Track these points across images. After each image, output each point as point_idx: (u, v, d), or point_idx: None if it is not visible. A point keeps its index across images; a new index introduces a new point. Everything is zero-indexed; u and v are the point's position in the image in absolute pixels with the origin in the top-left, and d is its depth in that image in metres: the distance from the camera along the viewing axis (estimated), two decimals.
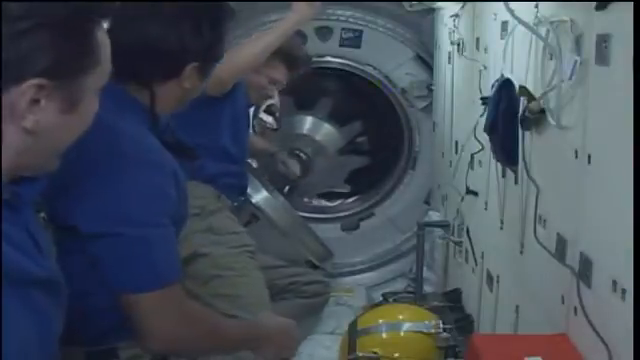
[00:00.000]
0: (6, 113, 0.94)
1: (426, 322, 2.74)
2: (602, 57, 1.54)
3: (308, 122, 5.06)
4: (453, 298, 3.28)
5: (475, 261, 2.90)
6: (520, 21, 2.03)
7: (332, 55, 4.30)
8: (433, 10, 4.05)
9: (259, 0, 4.09)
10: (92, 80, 1.04)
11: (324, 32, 4.22)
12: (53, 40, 0.96)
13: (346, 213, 4.79)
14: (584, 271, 1.63)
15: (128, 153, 1.45)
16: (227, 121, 2.71)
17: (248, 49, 2.64)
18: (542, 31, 1.94)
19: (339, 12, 4.18)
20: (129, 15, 1.54)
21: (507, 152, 2.25)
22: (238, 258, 2.59)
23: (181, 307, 1.52)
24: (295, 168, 4.14)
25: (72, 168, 1.39)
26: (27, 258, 0.99)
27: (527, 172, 2.07)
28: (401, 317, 2.84)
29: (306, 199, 5.20)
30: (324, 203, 5.19)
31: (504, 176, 2.41)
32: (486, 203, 2.70)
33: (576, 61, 1.68)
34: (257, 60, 2.66)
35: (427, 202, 4.40)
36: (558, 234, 1.84)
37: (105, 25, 1.15)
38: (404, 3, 4.13)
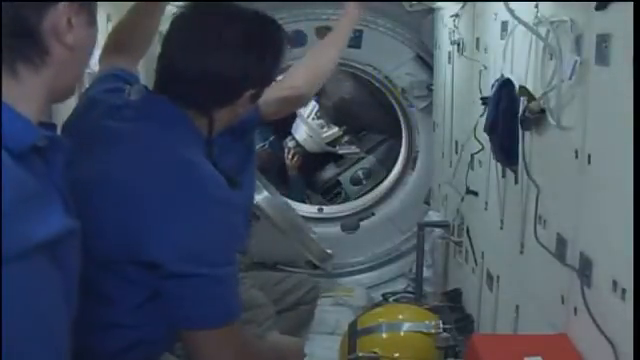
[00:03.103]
0: (51, 34, 1.02)
1: (426, 322, 2.74)
2: (602, 57, 1.54)
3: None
4: (453, 298, 3.28)
5: (475, 261, 2.90)
6: (520, 21, 2.03)
7: None
8: (433, 10, 4.05)
9: (259, 0, 4.09)
10: None
11: (324, 32, 4.21)
12: None
13: (346, 213, 4.80)
14: (584, 271, 1.64)
15: (214, 194, 1.44)
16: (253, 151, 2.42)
17: (322, 59, 2.37)
18: (542, 31, 1.94)
19: (339, 12, 4.17)
20: (195, 45, 1.53)
21: (507, 152, 2.25)
22: (260, 318, 2.52)
23: (240, 339, 1.53)
24: None
25: (152, 203, 1.40)
26: (57, 217, 1.01)
27: (527, 172, 2.07)
28: (401, 317, 2.84)
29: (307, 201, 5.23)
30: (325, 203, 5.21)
31: (504, 176, 2.41)
32: (486, 203, 2.70)
33: (576, 61, 1.68)
34: (333, 70, 2.45)
35: (427, 202, 4.40)
36: (558, 234, 1.84)
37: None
38: (404, 3, 4.13)
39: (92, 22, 1.11)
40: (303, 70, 2.26)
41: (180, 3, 3.52)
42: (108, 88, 1.68)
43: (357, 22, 2.55)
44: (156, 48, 2.69)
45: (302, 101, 2.44)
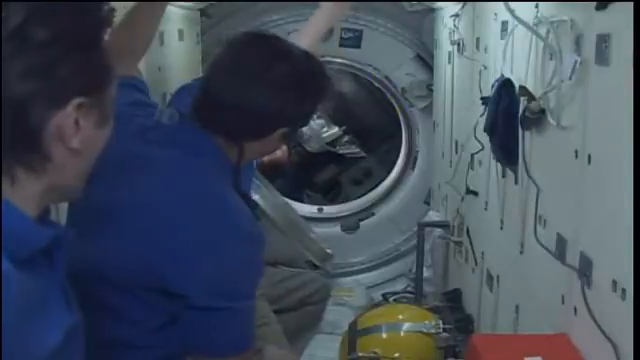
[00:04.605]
0: (55, 137, 0.94)
1: (426, 322, 2.75)
2: (602, 57, 1.54)
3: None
4: (453, 298, 3.28)
5: (475, 261, 2.90)
6: (520, 21, 2.03)
7: (332, 55, 4.31)
8: (433, 10, 4.05)
9: (259, 0, 4.09)
10: (112, 91, 1.04)
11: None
12: (85, 58, 0.96)
13: (346, 213, 4.80)
14: (584, 271, 1.64)
15: (246, 232, 1.45)
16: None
17: None
18: (542, 31, 1.94)
19: None
20: (238, 74, 1.53)
21: (507, 152, 2.25)
22: (257, 305, 2.54)
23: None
24: None
25: (184, 236, 1.40)
26: (61, 320, 0.98)
27: (527, 172, 2.07)
28: (401, 317, 2.84)
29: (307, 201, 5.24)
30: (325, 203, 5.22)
31: (504, 176, 2.41)
32: (486, 203, 2.70)
33: (576, 61, 1.68)
34: None
35: (427, 202, 4.41)
36: (558, 234, 1.84)
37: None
38: (404, 3, 4.13)
39: (103, 123, 1.02)
40: None
41: (180, 3, 3.52)
42: (131, 101, 1.66)
43: (335, 16, 2.43)
44: (156, 48, 2.68)
45: None
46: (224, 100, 1.52)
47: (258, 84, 1.51)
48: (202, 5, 4.03)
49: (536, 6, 1.99)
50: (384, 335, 2.76)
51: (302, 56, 1.59)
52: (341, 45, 4.27)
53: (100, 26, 1.00)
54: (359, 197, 5.07)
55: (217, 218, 1.43)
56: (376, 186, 5.01)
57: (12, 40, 0.89)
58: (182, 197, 1.44)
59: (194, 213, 1.42)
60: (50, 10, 0.93)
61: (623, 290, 1.42)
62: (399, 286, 4.45)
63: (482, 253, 2.79)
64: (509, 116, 2.19)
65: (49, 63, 0.92)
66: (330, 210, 4.93)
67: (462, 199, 3.10)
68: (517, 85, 2.15)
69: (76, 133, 0.96)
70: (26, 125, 0.91)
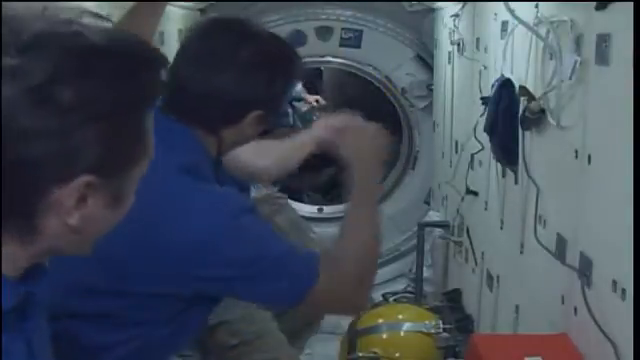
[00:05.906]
0: (51, 210, 0.83)
1: (426, 322, 2.75)
2: (602, 57, 1.54)
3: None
4: (453, 298, 3.28)
5: (475, 261, 2.90)
6: (520, 21, 2.03)
7: (332, 55, 4.31)
8: (433, 10, 4.06)
9: (259, 0, 4.10)
10: (139, 170, 0.92)
11: (324, 32, 4.23)
12: (106, 133, 0.83)
13: None
14: (584, 271, 1.64)
15: (233, 210, 1.43)
16: None
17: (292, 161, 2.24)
18: (542, 31, 1.94)
19: (339, 12, 4.19)
20: (206, 60, 1.51)
21: (507, 152, 2.25)
22: (255, 317, 2.50)
23: (335, 272, 1.50)
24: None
25: (161, 235, 1.37)
26: None
27: (527, 172, 2.07)
28: (401, 317, 2.84)
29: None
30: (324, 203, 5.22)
31: (504, 176, 2.41)
32: (486, 203, 2.70)
33: (576, 61, 1.68)
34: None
35: (427, 202, 4.41)
36: (558, 234, 1.84)
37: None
38: (404, 3, 4.14)
39: (116, 205, 0.90)
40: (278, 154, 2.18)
41: (180, 3, 3.53)
42: None
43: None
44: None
45: (261, 179, 2.48)
46: (193, 88, 1.51)
47: (225, 68, 1.50)
48: (202, 5, 4.03)
49: (536, 6, 1.99)
50: (384, 335, 2.76)
51: (268, 37, 1.57)
52: (341, 45, 4.27)
53: (138, 100, 0.87)
54: None
55: (190, 216, 1.40)
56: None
57: (30, 95, 0.78)
58: (167, 197, 1.41)
59: (169, 213, 1.40)
60: (82, 70, 0.81)
61: (623, 290, 1.42)
62: (399, 286, 4.44)
63: (482, 253, 2.79)
64: (509, 116, 2.19)
65: (61, 130, 0.80)
66: (330, 210, 4.93)
67: (462, 199, 3.10)
68: (517, 85, 2.15)
69: (78, 210, 0.84)
70: (19, 189, 0.80)
